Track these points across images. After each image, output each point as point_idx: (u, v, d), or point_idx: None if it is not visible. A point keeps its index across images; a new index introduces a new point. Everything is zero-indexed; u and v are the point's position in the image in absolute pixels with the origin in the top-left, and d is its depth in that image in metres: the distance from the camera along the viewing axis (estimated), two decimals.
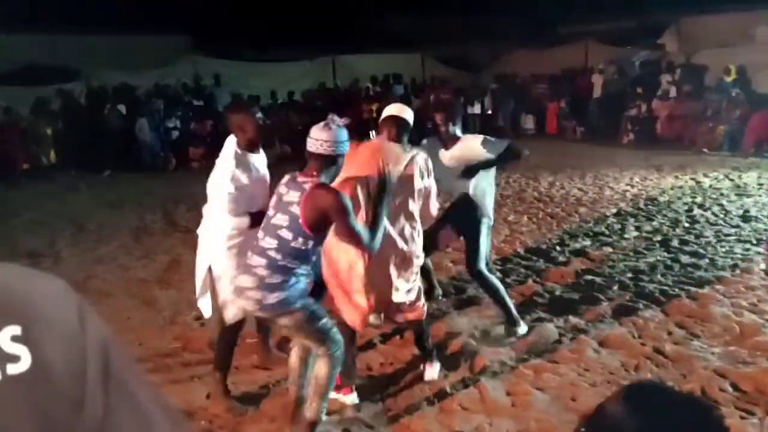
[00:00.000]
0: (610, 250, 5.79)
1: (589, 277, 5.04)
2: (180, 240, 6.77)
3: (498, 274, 5.12)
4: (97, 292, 5.07)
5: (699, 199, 7.71)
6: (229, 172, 3.06)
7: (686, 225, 6.54)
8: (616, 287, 4.77)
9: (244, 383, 3.49)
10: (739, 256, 5.42)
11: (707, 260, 5.32)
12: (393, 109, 3.41)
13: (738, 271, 5.01)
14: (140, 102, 12.83)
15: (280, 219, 2.65)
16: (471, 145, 3.85)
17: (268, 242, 2.66)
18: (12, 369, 0.61)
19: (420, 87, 16.45)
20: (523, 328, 3.97)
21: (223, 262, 3.16)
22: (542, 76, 16.19)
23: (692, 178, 9.14)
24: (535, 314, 4.32)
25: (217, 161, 3.19)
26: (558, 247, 5.92)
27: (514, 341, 3.89)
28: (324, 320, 2.73)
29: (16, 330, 0.62)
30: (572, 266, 5.37)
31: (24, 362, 0.62)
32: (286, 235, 2.61)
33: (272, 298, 2.60)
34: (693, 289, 4.65)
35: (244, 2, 19.71)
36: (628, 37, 16.62)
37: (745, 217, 6.74)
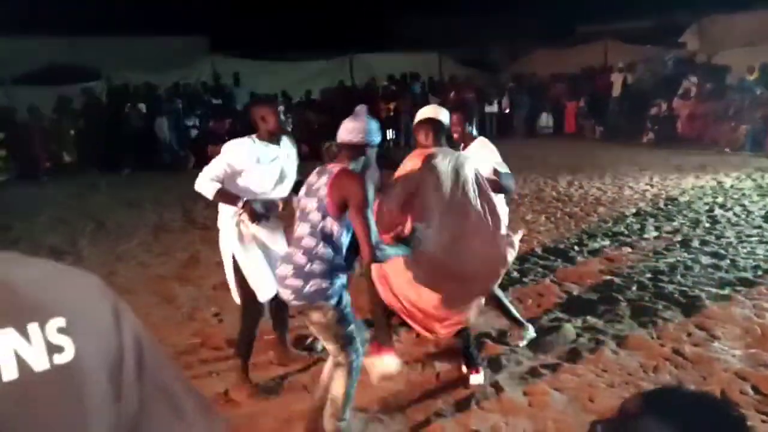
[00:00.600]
0: (630, 250, 5.73)
1: (608, 278, 4.99)
2: (198, 237, 6.84)
3: (515, 273, 5.12)
4: (118, 289, 5.09)
5: (720, 200, 7.60)
6: (227, 152, 3.28)
7: (707, 225, 6.45)
8: (635, 288, 4.73)
9: (260, 379, 3.52)
10: (761, 257, 5.34)
11: (728, 261, 5.25)
12: (428, 111, 3.35)
13: (760, 273, 4.93)
14: (160, 101, 12.98)
15: (310, 204, 2.66)
16: (482, 154, 3.72)
17: (302, 229, 2.67)
18: (58, 359, 0.64)
19: (438, 86, 16.41)
20: (531, 333, 3.88)
21: (232, 244, 3.35)
22: (561, 76, 16.07)
23: (713, 178, 9.02)
24: (553, 314, 4.30)
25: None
26: (576, 247, 5.88)
27: (531, 340, 3.88)
28: (352, 326, 2.71)
29: (61, 322, 0.65)
30: (591, 266, 5.33)
31: (68, 353, 0.64)
32: (315, 217, 2.62)
33: (311, 286, 2.59)
34: (713, 290, 4.59)
35: (263, 3, 19.83)
36: (647, 36, 16.45)
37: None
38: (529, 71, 17.30)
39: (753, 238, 5.91)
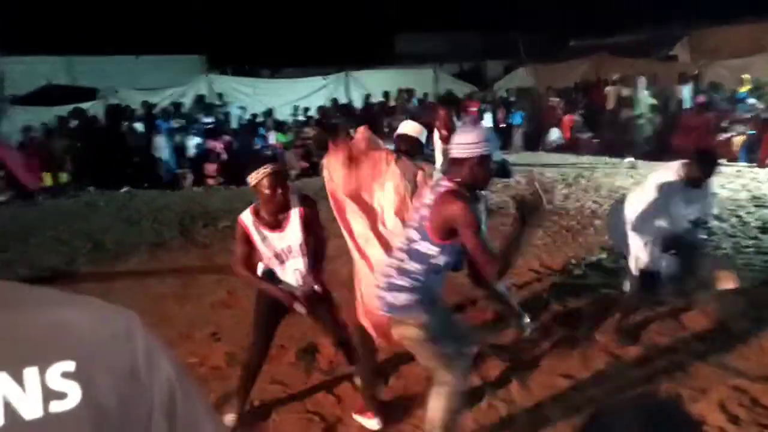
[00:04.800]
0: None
1: (606, 291, 5.00)
2: (197, 256, 6.84)
3: (514, 289, 5.12)
4: None
5: (716, 211, 7.62)
6: None
7: (703, 237, 6.46)
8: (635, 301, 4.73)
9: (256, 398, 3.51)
10: (758, 268, 5.36)
11: None
12: (406, 128, 3.57)
13: (757, 284, 4.95)
14: (157, 120, 13.03)
15: (414, 220, 2.63)
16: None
17: (401, 242, 2.66)
18: (56, 406, 0.61)
19: (437, 100, 16.50)
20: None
21: None
22: (556, 90, 16.19)
23: None
24: (552, 328, 4.30)
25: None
26: (573, 261, 5.89)
27: (529, 348, 3.89)
28: (449, 346, 2.58)
29: (68, 366, 0.62)
30: (588, 280, 5.34)
31: (71, 399, 0.61)
32: (413, 235, 2.57)
33: (399, 300, 2.54)
34: (712, 302, 4.59)
35: (259, 21, 20.00)
36: (640, 49, 16.62)
37: (764, 229, 6.67)
38: (523, 85, 17.45)
39: (749, 249, 5.94)
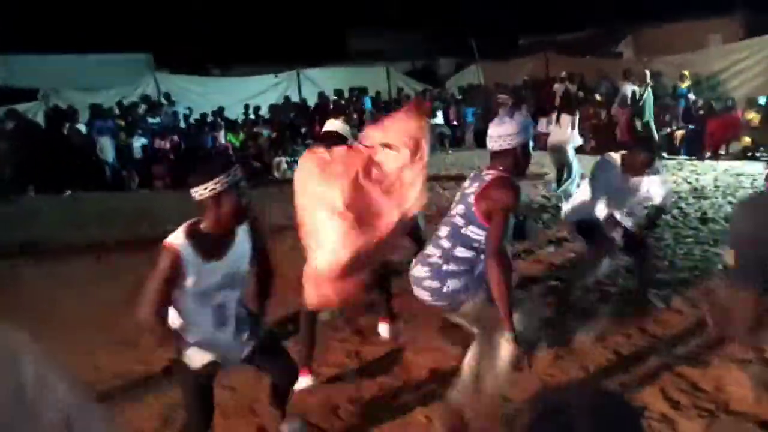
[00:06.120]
0: (573, 255, 5.87)
1: (553, 283, 5.10)
2: (145, 259, 6.63)
3: None
4: (60, 315, 4.94)
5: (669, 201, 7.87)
6: None
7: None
8: (578, 292, 4.83)
9: None
10: (698, 257, 5.56)
11: (666, 262, 5.44)
12: (331, 125, 3.74)
13: (697, 273, 5.14)
14: (101, 120, 12.63)
15: (458, 208, 2.68)
16: None
17: (443, 230, 2.70)
18: None
19: (389, 100, 16.54)
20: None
21: None
22: (505, 87, 16.42)
23: None
24: None
25: None
26: (523, 255, 5.98)
27: None
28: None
29: None
30: (535, 272, 5.44)
31: None
32: (458, 221, 2.63)
33: (448, 286, 2.60)
34: (652, 291, 4.73)
35: (208, 18, 19.64)
36: (588, 47, 17.05)
37: (703, 219, 6.92)
38: (473, 83, 17.66)
39: (689, 239, 6.16)
